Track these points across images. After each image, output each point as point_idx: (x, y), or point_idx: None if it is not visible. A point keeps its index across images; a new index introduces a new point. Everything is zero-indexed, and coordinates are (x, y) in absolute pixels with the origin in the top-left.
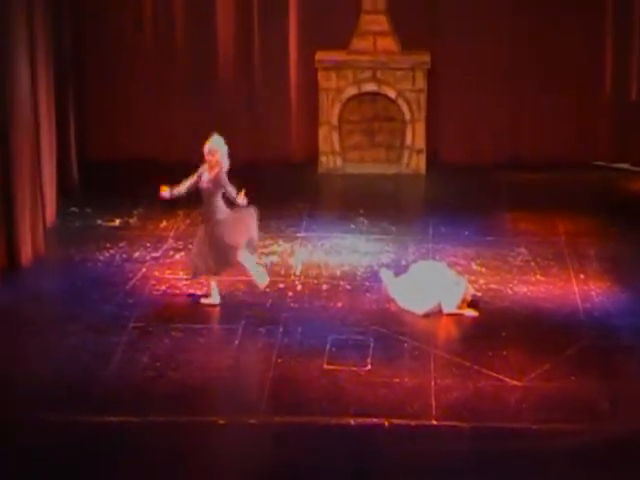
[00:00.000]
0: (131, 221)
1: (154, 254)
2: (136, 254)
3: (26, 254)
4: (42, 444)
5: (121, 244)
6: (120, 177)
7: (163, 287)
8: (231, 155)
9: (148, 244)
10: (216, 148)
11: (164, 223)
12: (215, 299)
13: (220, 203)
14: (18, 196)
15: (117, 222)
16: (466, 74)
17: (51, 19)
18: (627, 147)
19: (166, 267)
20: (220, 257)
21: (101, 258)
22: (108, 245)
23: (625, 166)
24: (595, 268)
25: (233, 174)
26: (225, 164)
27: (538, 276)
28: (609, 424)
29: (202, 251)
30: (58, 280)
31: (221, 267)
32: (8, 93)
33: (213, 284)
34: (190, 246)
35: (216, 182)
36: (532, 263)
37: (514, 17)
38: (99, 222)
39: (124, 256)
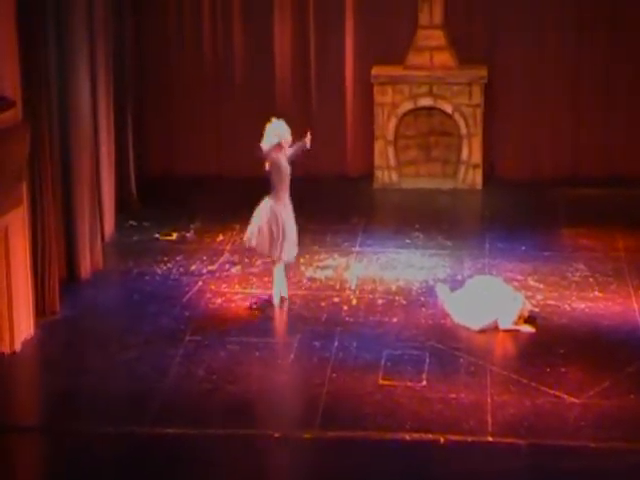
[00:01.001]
0: (188, 235)
1: (210, 268)
2: (193, 268)
3: (85, 267)
4: (100, 456)
5: (178, 258)
6: (177, 191)
7: (219, 300)
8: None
9: (204, 258)
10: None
11: (220, 237)
12: (277, 300)
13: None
14: (77, 210)
15: (174, 236)
16: (524, 89)
17: (112, 36)
18: None
19: (222, 281)
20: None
21: (158, 271)
22: (165, 259)
23: None
24: None
25: (290, 187)
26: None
27: (597, 292)
28: None
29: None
30: (116, 293)
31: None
32: (69, 109)
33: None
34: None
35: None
36: (591, 279)
37: (575, 31)
38: (156, 236)
39: (181, 270)
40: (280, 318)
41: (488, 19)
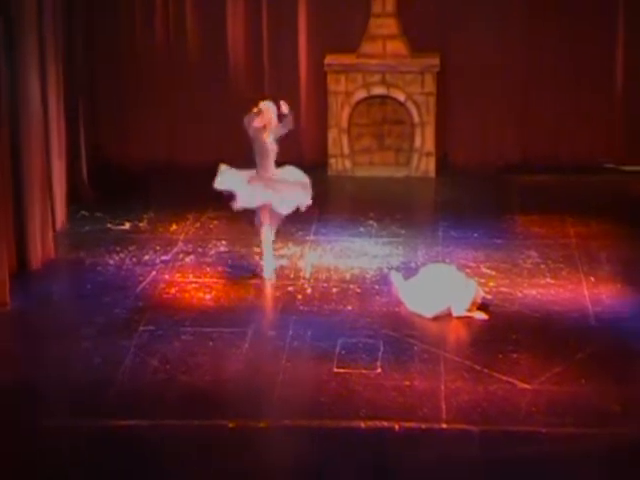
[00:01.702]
0: (141, 225)
1: (164, 257)
2: (146, 257)
3: (36, 258)
4: (54, 449)
5: (131, 248)
6: (130, 181)
7: (173, 290)
8: (240, 158)
9: (158, 247)
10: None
11: (174, 227)
12: (268, 274)
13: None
14: (28, 200)
15: (127, 226)
16: (476, 77)
17: (62, 24)
18: (638, 149)
19: (176, 270)
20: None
21: (111, 262)
22: (118, 249)
23: (636, 168)
24: (606, 271)
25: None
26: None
27: (548, 279)
28: (620, 428)
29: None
30: (68, 284)
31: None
32: (18, 95)
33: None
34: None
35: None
36: (542, 266)
37: (525, 20)
38: (109, 226)
39: (134, 260)
40: (234, 308)
41: (440, 7)
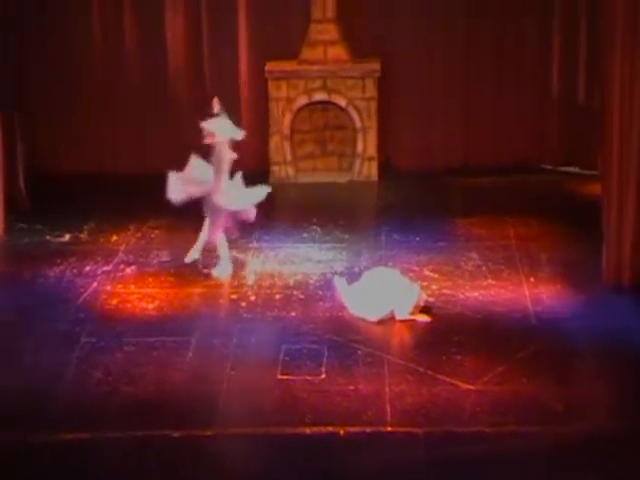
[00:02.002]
0: (81, 236)
1: (105, 268)
2: (87, 269)
3: None
4: None
5: (71, 259)
6: (70, 192)
7: (115, 301)
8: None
9: (99, 258)
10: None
11: (115, 237)
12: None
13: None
14: None
15: (67, 237)
16: (417, 81)
17: None
18: (575, 151)
19: (117, 281)
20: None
21: (51, 274)
22: (58, 261)
23: (573, 169)
24: (545, 272)
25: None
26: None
27: (489, 281)
28: (562, 426)
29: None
30: (8, 297)
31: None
32: None
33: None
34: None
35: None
36: (483, 268)
37: (463, 23)
38: (48, 238)
39: (75, 271)
40: (177, 317)
41: (380, 12)
